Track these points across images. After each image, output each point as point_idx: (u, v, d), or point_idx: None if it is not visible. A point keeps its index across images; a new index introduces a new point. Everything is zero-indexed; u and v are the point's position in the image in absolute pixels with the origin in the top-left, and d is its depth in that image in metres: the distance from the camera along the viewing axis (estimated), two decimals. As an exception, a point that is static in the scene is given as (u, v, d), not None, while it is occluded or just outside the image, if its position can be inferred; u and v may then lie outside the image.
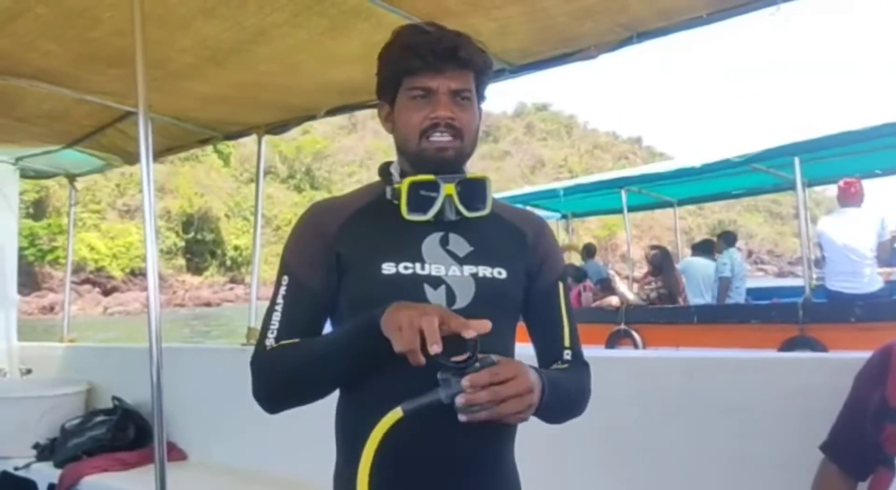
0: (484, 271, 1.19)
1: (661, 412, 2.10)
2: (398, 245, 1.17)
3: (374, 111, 1.39)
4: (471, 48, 1.18)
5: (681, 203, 10.12)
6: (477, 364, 0.96)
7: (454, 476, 1.13)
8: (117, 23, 2.19)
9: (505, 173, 53.89)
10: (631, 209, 9.03)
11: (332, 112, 3.04)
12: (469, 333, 0.96)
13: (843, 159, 6.69)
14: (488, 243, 1.22)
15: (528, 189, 13.32)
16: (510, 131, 67.25)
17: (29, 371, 4.08)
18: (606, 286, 8.08)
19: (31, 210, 28.11)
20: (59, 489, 3.11)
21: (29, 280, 27.37)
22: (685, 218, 11.57)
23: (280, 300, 1.17)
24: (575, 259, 10.55)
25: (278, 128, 3.31)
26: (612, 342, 7.18)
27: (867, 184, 5.94)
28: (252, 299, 3.48)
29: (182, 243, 34.47)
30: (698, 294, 7.53)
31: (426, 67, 1.15)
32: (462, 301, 1.16)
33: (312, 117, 3.15)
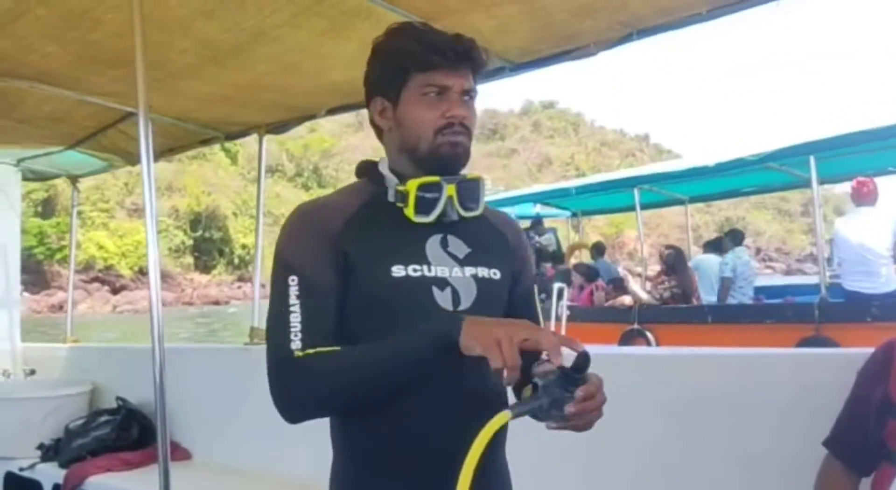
0: (482, 272, 1.20)
1: (665, 409, 2.09)
2: (404, 247, 1.16)
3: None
4: (479, 49, 1.19)
5: (692, 200, 10.08)
6: (580, 376, 0.99)
7: (450, 462, 1.12)
8: (117, 24, 2.19)
9: (512, 171, 53.89)
10: (642, 207, 9.00)
11: (333, 111, 3.04)
12: (579, 347, 0.97)
13: (856, 157, 6.63)
14: (483, 244, 1.23)
15: (538, 187, 13.32)
16: (517, 129, 67.19)
17: (33, 372, 4.09)
18: (619, 285, 8.04)
19: (39, 209, 28.31)
20: (64, 489, 3.12)
21: (38, 279, 27.59)
22: (693, 215, 11.57)
23: (295, 301, 1.10)
24: (584, 258, 10.51)
25: (279, 127, 3.30)
26: (624, 342, 7.13)
27: (880, 182, 5.88)
28: (255, 298, 3.49)
29: (190, 242, 34.63)
30: (710, 292, 7.51)
31: (445, 65, 1.14)
32: (466, 302, 1.17)
33: (313, 117, 3.16)
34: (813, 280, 6.58)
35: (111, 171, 4.31)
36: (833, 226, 6.72)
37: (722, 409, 2.02)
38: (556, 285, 8.43)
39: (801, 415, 1.82)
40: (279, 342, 1.09)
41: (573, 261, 10.38)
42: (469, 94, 1.18)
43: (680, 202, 9.89)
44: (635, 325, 7.14)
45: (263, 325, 3.21)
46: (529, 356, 0.97)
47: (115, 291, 29.92)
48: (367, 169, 1.26)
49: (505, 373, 0.94)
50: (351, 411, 1.12)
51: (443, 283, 1.16)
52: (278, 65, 2.58)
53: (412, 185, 1.16)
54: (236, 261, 35.87)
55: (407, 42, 1.16)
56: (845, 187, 6.56)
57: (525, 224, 9.80)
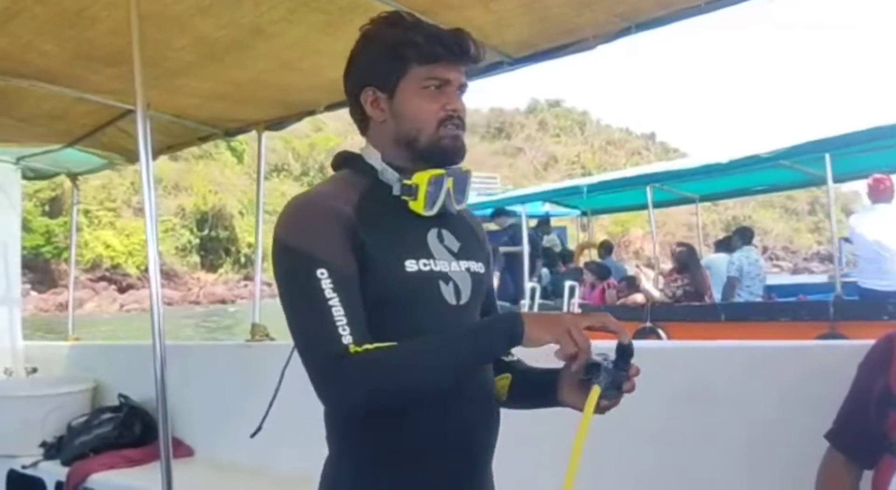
0: (473, 266, 1.21)
1: (668, 401, 2.08)
2: (411, 241, 1.15)
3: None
4: (478, 45, 1.19)
5: (703, 199, 10.02)
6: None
7: (467, 466, 1.16)
8: (114, 22, 2.19)
9: (518, 170, 53.79)
10: (653, 206, 8.92)
11: (332, 107, 3.03)
12: (627, 338, 1.09)
13: (871, 155, 6.55)
14: (467, 238, 1.23)
15: (549, 185, 13.23)
16: (523, 128, 67.05)
17: (34, 370, 4.10)
18: (632, 283, 8.01)
19: (47, 208, 28.40)
20: (67, 487, 3.13)
21: (46, 278, 27.70)
22: (700, 214, 11.48)
23: (332, 294, 1.04)
24: (592, 257, 10.47)
25: (278, 124, 3.31)
26: (637, 339, 7.04)
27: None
28: (256, 295, 3.49)
29: (196, 241, 34.73)
30: (720, 291, 7.42)
31: (447, 58, 1.13)
32: (464, 296, 1.17)
33: (312, 113, 3.15)
34: (822, 279, 6.50)
35: (118, 171, 4.34)
36: (840, 224, 6.66)
37: (723, 401, 2.01)
38: (568, 283, 8.44)
39: (803, 407, 1.81)
40: (326, 338, 1.03)
41: (583, 259, 10.37)
42: (462, 88, 1.18)
43: (691, 201, 9.82)
44: (647, 323, 7.06)
45: (265, 322, 3.19)
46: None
47: (121, 290, 30.02)
48: (348, 160, 1.23)
49: (578, 358, 1.02)
50: (409, 403, 1.10)
51: (446, 277, 1.16)
52: (276, 61, 2.58)
53: (422, 178, 1.14)
54: (242, 259, 35.94)
55: (408, 33, 1.14)
56: (852, 186, 6.52)
57: (530, 223, 9.76)
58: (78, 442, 3.33)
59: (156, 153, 3.23)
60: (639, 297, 7.56)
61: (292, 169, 43.00)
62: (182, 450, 3.25)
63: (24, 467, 3.36)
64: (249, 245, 35.73)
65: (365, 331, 1.05)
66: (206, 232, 35.09)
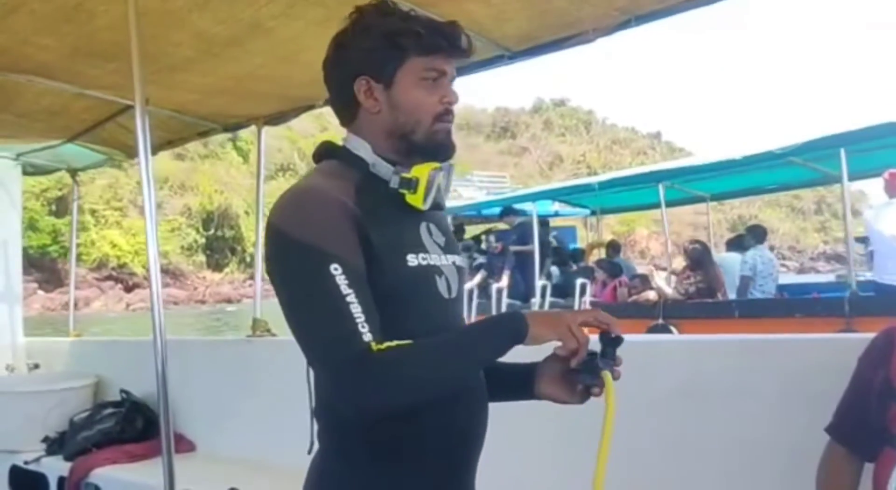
0: (458, 260, 1.21)
1: (666, 394, 2.09)
2: (408, 235, 1.13)
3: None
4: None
5: (714, 198, 9.93)
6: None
7: (464, 462, 1.17)
8: (112, 17, 2.19)
9: (523, 169, 53.81)
10: (665, 205, 8.84)
11: (331, 102, 3.03)
12: (617, 331, 1.12)
13: (884, 152, 6.44)
14: (446, 232, 1.22)
15: (559, 184, 13.10)
16: (528, 127, 67.03)
17: (36, 366, 4.12)
18: (644, 281, 7.98)
19: (53, 207, 28.50)
20: (70, 482, 3.14)
21: (52, 277, 27.78)
22: (706, 213, 11.42)
23: (348, 290, 1.00)
24: (602, 256, 10.44)
25: (277, 118, 3.31)
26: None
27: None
28: (256, 292, 3.49)
29: (202, 240, 34.86)
30: (733, 290, 7.34)
31: (446, 50, 1.12)
32: (454, 290, 1.17)
33: (311, 107, 3.14)
34: (830, 278, 6.42)
35: (124, 170, 4.36)
36: (847, 223, 6.60)
37: (723, 394, 2.01)
38: (579, 281, 8.43)
39: (803, 400, 1.81)
40: (346, 336, 0.99)
41: (592, 258, 10.35)
42: (453, 81, 1.18)
43: (702, 200, 9.73)
44: (660, 321, 7.00)
45: (266, 317, 3.17)
46: None
47: (128, 289, 30.13)
48: (334, 152, 1.19)
49: (579, 353, 1.06)
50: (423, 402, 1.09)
51: (440, 271, 1.15)
52: (275, 56, 2.58)
53: (422, 171, 1.11)
54: (248, 259, 36.01)
55: (407, 22, 1.12)
56: (858, 185, 6.45)
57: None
58: (80, 437, 3.34)
59: (155, 149, 3.24)
60: (651, 295, 7.50)
61: (298, 168, 43.03)
62: (184, 445, 3.26)
63: (26, 463, 3.37)
64: (255, 244, 35.89)
65: (379, 328, 1.02)
66: (211, 231, 35.22)
